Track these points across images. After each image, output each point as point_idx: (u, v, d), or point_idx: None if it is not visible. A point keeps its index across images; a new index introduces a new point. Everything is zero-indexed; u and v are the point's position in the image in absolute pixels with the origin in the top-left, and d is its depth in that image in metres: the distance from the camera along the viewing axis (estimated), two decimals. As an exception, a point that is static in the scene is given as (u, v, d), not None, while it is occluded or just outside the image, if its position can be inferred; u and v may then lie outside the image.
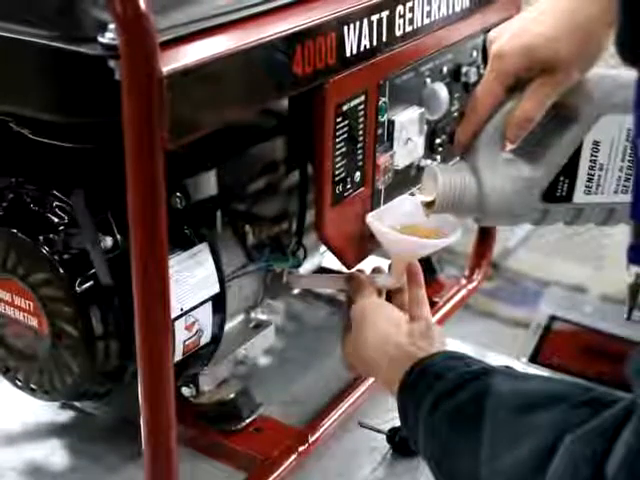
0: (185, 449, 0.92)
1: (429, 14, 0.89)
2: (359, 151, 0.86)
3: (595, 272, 1.50)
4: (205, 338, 0.87)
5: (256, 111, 0.85)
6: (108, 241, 0.80)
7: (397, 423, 0.96)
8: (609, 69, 0.75)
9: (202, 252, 0.86)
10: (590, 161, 0.77)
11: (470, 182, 0.77)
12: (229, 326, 0.93)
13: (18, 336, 0.87)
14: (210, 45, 0.66)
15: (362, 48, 0.80)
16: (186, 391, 0.93)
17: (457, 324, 1.24)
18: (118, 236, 0.80)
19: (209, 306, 0.86)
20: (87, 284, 0.81)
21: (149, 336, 0.66)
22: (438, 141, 1.00)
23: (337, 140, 0.82)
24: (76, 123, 0.70)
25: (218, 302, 0.87)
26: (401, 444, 0.99)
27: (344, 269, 0.93)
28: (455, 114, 1.01)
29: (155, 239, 0.63)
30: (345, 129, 0.82)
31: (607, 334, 1.30)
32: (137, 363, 0.67)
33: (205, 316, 0.86)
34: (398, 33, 0.85)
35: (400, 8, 0.84)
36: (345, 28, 0.77)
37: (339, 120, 0.81)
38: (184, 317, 0.83)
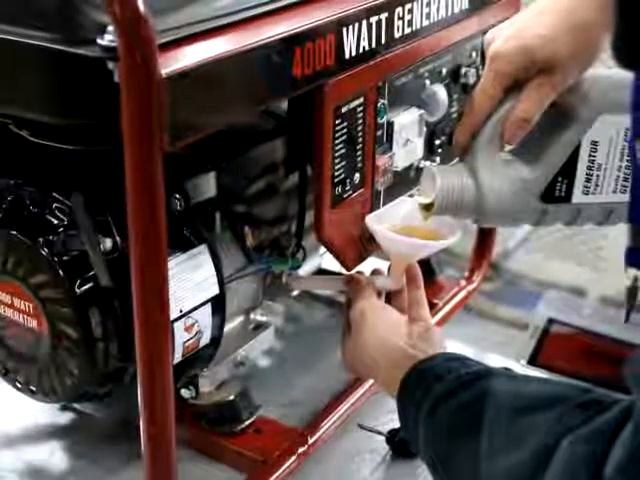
0: (184, 450, 0.93)
1: (428, 16, 0.89)
2: (358, 153, 0.86)
3: (594, 274, 1.50)
4: (204, 339, 0.87)
5: (255, 113, 0.85)
6: (107, 243, 0.80)
7: (396, 424, 0.96)
8: (607, 69, 0.75)
9: (201, 254, 0.86)
10: (588, 161, 0.77)
11: (468, 183, 0.77)
12: (228, 327, 0.93)
13: (18, 338, 0.87)
14: (209, 47, 0.66)
15: (361, 50, 0.80)
16: (186, 392, 0.93)
17: (456, 326, 1.24)
18: (117, 238, 0.81)
19: (208, 308, 0.86)
20: (87, 286, 0.81)
21: (148, 337, 0.66)
22: (437, 142, 1.00)
23: (336, 142, 0.82)
24: (75, 125, 0.71)
25: (217, 304, 0.87)
26: (400, 446, 0.99)
27: (343, 271, 0.93)
28: (454, 115, 1.01)
29: (154, 241, 0.63)
30: (344, 131, 0.82)
31: (606, 337, 1.30)
32: (136, 365, 0.67)
33: (204, 318, 0.86)
34: (397, 35, 0.85)
35: (399, 10, 0.84)
36: (344, 30, 0.77)
37: (338, 122, 0.81)
38: (183, 319, 0.83)
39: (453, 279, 1.32)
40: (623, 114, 0.74)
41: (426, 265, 1.20)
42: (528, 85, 0.74)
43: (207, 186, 0.89)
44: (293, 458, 0.93)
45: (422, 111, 0.93)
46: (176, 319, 0.82)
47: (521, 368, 1.25)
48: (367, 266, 0.95)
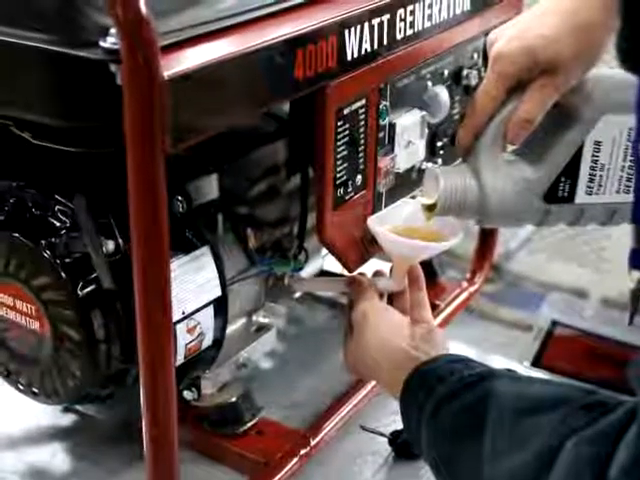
0: (186, 452, 0.92)
1: (430, 17, 0.89)
2: (360, 154, 0.86)
3: (596, 275, 1.50)
4: (207, 341, 0.87)
5: (257, 115, 0.85)
6: (110, 245, 0.80)
7: (399, 426, 0.96)
8: (610, 69, 0.75)
9: (204, 255, 0.86)
10: (591, 161, 0.77)
11: (471, 184, 0.77)
12: (231, 329, 0.93)
13: (20, 340, 0.87)
14: (211, 49, 0.66)
15: (363, 52, 0.80)
16: (188, 394, 0.93)
17: (459, 327, 1.24)
18: (120, 240, 0.81)
19: (211, 309, 0.86)
20: (89, 288, 0.81)
21: (151, 339, 0.66)
22: (439, 144, 1.00)
23: (338, 143, 0.82)
24: (77, 127, 0.71)
25: (220, 305, 0.87)
26: (403, 447, 0.98)
27: (345, 272, 0.93)
28: (456, 117, 1.01)
29: (156, 243, 0.63)
30: (346, 132, 0.82)
31: (609, 339, 1.30)
32: (139, 366, 0.67)
33: (207, 319, 0.86)
34: (399, 36, 0.85)
35: (401, 11, 0.84)
36: (346, 32, 0.77)
37: (340, 124, 0.81)
38: (186, 320, 0.83)
39: (455, 280, 1.32)
40: (626, 114, 0.74)
41: (428, 266, 1.20)
42: (531, 86, 0.74)
43: (209, 188, 0.89)
44: (295, 460, 0.93)
45: (424, 113, 0.93)
46: (178, 321, 0.82)
47: (524, 370, 1.25)
48: (369, 268, 0.94)
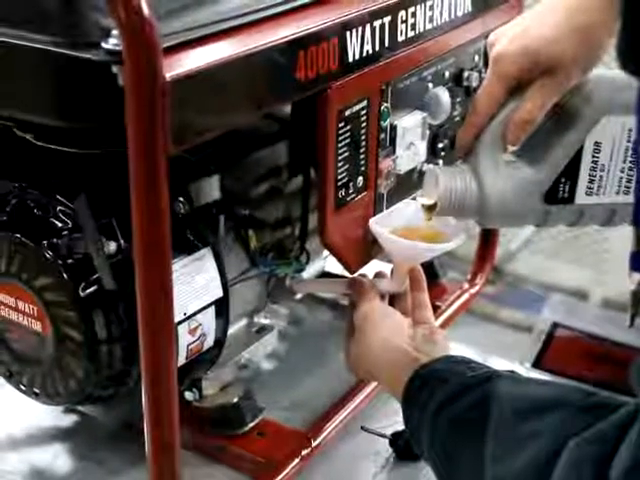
0: (188, 453, 0.92)
1: (431, 19, 0.89)
2: (361, 156, 0.86)
3: (597, 276, 1.50)
4: (208, 342, 0.87)
5: (259, 116, 0.85)
6: (111, 246, 0.80)
7: (400, 427, 0.96)
8: (609, 70, 0.75)
9: (205, 257, 0.86)
10: (591, 162, 0.78)
11: (471, 184, 0.77)
12: (232, 330, 0.93)
13: (22, 340, 0.87)
14: (213, 51, 0.66)
15: (364, 53, 0.80)
16: (189, 395, 0.93)
17: (460, 328, 1.24)
18: (121, 241, 0.81)
19: (212, 310, 0.86)
20: (91, 289, 0.81)
21: (152, 340, 0.66)
22: (440, 145, 1.00)
23: (340, 145, 0.82)
24: (79, 128, 0.71)
25: (221, 306, 0.88)
26: (404, 448, 0.98)
27: (347, 274, 0.94)
28: (457, 118, 1.01)
29: (158, 244, 0.63)
30: (347, 134, 0.83)
31: (610, 340, 1.30)
32: (140, 367, 0.68)
33: (208, 320, 0.86)
34: (400, 38, 0.85)
35: (402, 13, 0.84)
36: (347, 33, 0.77)
37: (341, 125, 0.81)
38: (187, 321, 0.83)
39: (456, 282, 1.32)
40: (626, 115, 0.74)
41: (429, 268, 1.20)
42: (531, 86, 0.74)
43: (211, 189, 0.89)
44: (296, 460, 0.93)
45: (425, 114, 0.93)
46: (180, 322, 0.82)
47: (525, 371, 1.25)
48: (370, 269, 0.95)
